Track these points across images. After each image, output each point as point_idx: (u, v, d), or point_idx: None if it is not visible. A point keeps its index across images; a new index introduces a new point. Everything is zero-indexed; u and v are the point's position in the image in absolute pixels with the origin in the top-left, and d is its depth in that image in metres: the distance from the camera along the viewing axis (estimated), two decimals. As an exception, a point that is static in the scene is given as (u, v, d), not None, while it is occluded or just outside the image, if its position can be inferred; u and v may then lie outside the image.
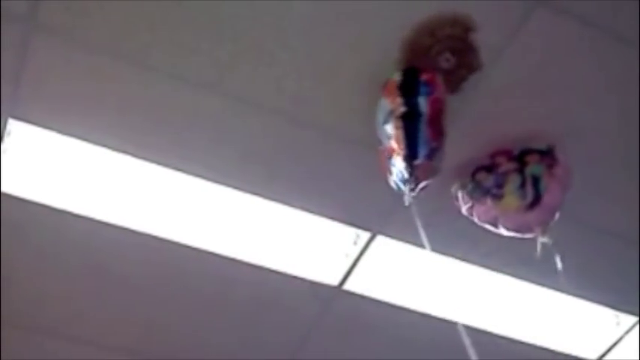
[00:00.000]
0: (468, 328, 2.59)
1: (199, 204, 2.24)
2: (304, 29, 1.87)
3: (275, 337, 2.68)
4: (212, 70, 1.93)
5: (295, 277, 2.44)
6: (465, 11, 1.84)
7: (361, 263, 2.43)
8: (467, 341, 1.78)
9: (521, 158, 2.09)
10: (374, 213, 2.28)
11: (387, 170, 1.93)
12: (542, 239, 2.07)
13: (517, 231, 2.10)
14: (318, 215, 2.25)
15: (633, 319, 2.67)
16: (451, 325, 2.60)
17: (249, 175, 2.18)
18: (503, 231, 2.11)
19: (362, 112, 2.03)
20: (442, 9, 1.83)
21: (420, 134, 1.87)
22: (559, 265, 2.07)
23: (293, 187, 2.18)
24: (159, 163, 2.13)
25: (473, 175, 2.13)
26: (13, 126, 2.02)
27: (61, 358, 2.67)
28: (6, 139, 2.05)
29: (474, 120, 2.07)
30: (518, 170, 2.07)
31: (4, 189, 2.16)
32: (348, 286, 2.49)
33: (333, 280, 2.47)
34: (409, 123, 1.88)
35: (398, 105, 1.89)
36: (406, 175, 1.87)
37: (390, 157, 1.90)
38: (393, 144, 1.88)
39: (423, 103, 1.88)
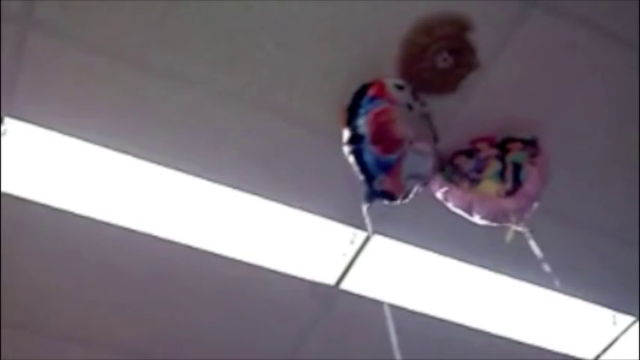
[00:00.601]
0: (464, 327, 2.63)
1: (197, 203, 2.24)
2: (301, 29, 1.86)
3: (272, 336, 2.68)
4: (210, 69, 1.93)
5: (292, 277, 2.44)
6: (462, 11, 1.84)
7: (358, 262, 2.43)
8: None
9: (503, 145, 2.05)
10: (371, 212, 2.28)
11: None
12: (517, 227, 2.01)
13: (492, 218, 2.03)
14: (316, 215, 2.25)
15: (630, 318, 2.68)
16: (448, 324, 2.63)
17: (246, 174, 2.18)
18: (476, 218, 2.04)
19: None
20: (439, 9, 1.83)
21: (367, 156, 1.88)
22: (537, 253, 2.01)
23: (290, 187, 2.18)
24: (156, 161, 2.13)
25: (451, 159, 2.09)
26: (10, 125, 2.02)
27: (62, 358, 2.67)
28: (3, 138, 2.05)
29: (472, 119, 2.07)
30: (500, 157, 2.03)
31: (2, 188, 2.15)
32: (345, 285, 2.49)
33: (330, 279, 2.48)
34: (355, 147, 1.89)
35: (345, 131, 1.92)
36: (370, 200, 1.91)
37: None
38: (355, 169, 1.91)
39: (363, 124, 1.88)
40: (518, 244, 2.37)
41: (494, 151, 2.04)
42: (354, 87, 1.97)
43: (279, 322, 2.63)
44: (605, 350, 2.79)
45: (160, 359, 2.73)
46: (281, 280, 2.45)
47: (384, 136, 1.86)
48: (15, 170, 2.13)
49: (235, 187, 2.20)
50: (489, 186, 2.00)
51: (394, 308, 2.55)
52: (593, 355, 2.81)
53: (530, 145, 2.04)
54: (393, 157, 1.87)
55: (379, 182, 1.89)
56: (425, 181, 1.99)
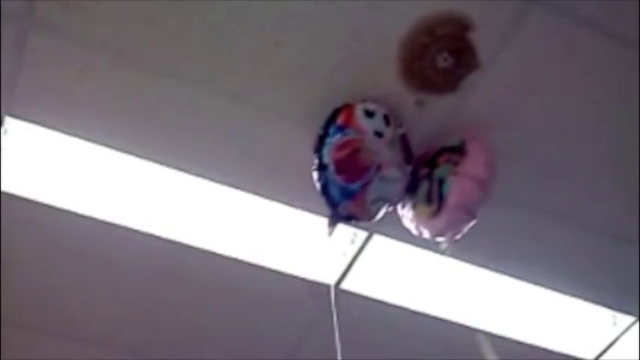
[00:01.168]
0: (464, 327, 2.62)
1: (197, 203, 2.24)
2: (301, 28, 1.86)
3: (272, 336, 2.68)
4: (210, 68, 1.93)
5: (292, 276, 2.44)
6: (463, 10, 1.84)
7: (358, 262, 2.43)
8: None
9: (433, 161, 2.06)
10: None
11: None
12: (445, 245, 2.05)
13: (435, 237, 2.07)
14: (316, 214, 2.25)
15: (630, 319, 2.67)
16: (448, 323, 2.62)
17: (246, 174, 2.18)
18: (427, 236, 2.08)
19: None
20: (440, 8, 1.83)
21: (331, 185, 1.93)
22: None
23: (291, 187, 2.18)
24: (156, 161, 2.13)
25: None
26: (11, 124, 2.02)
27: (62, 357, 2.66)
28: (3, 137, 2.05)
29: (472, 119, 2.07)
30: (428, 175, 2.05)
31: (2, 187, 2.15)
32: (346, 285, 2.49)
33: (330, 278, 2.47)
34: (320, 174, 1.95)
35: (314, 157, 1.97)
36: (334, 223, 1.98)
37: None
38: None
39: (327, 154, 1.92)
40: (518, 244, 2.38)
41: (425, 170, 2.06)
42: (354, 87, 1.98)
43: (279, 321, 2.63)
44: (605, 350, 2.79)
45: (160, 358, 2.73)
46: (281, 280, 2.45)
47: (347, 167, 1.90)
48: (15, 169, 2.13)
49: (236, 187, 2.20)
50: (422, 209, 2.04)
51: (395, 308, 2.56)
52: (594, 355, 2.81)
53: (457, 152, 2.03)
54: (357, 185, 1.91)
55: (343, 207, 1.94)
56: (392, 203, 2.02)
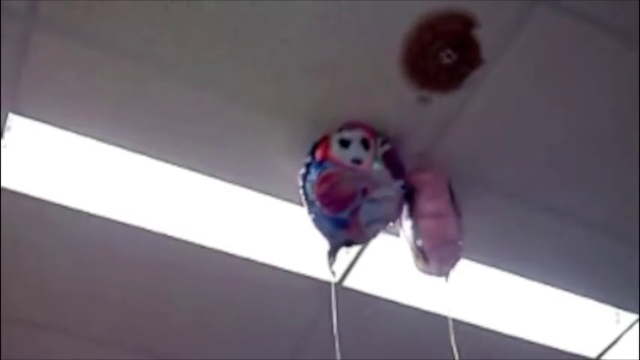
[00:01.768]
0: (467, 324, 2.62)
1: (200, 200, 2.24)
2: (305, 26, 1.86)
3: (275, 334, 2.68)
4: (214, 66, 1.93)
5: (295, 274, 2.45)
6: (467, 7, 1.83)
7: (361, 260, 2.43)
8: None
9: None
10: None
11: None
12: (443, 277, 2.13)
13: (441, 275, 2.16)
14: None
15: (633, 316, 2.67)
16: (450, 321, 2.62)
17: (251, 172, 2.18)
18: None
19: (361, 109, 2.03)
20: (444, 5, 1.83)
21: (323, 219, 1.97)
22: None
23: (294, 185, 2.18)
24: (159, 158, 2.13)
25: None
26: (14, 121, 2.02)
27: (63, 357, 2.67)
28: (6, 135, 2.05)
29: (475, 116, 2.07)
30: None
31: (5, 184, 2.15)
32: (349, 282, 2.49)
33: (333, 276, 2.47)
34: (310, 210, 2.01)
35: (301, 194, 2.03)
36: (334, 252, 2.01)
37: None
38: None
39: (310, 192, 1.98)
40: (519, 242, 2.38)
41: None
42: (359, 84, 1.98)
43: (281, 319, 2.63)
44: (608, 348, 2.79)
45: (162, 358, 2.73)
46: (284, 278, 2.45)
47: (332, 200, 1.94)
48: (16, 166, 2.13)
49: (238, 184, 2.20)
50: (415, 261, 2.14)
51: (396, 305, 2.56)
52: (596, 353, 2.81)
53: (407, 198, 2.09)
54: (346, 213, 1.94)
55: (340, 236, 1.98)
56: (387, 222, 2.04)
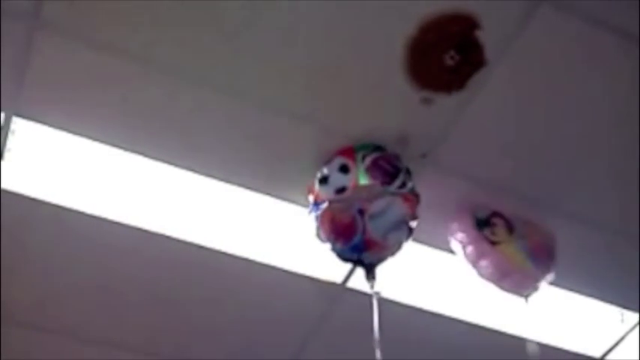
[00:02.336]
0: (470, 324, 2.62)
1: (202, 201, 2.24)
2: (307, 27, 1.86)
3: (279, 335, 2.68)
4: (216, 67, 1.93)
5: (299, 275, 2.44)
6: (470, 8, 1.83)
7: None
8: None
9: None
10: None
11: None
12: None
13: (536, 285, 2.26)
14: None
15: (638, 316, 2.67)
16: (453, 321, 2.62)
17: (253, 173, 2.18)
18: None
19: (364, 111, 2.03)
20: (447, 6, 1.83)
21: (341, 250, 2.03)
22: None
23: (298, 186, 2.18)
24: (161, 159, 2.13)
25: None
26: (17, 124, 2.03)
27: (63, 357, 2.67)
28: (10, 137, 2.05)
29: (479, 117, 2.06)
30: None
31: (9, 187, 2.16)
32: (352, 283, 2.49)
33: (337, 277, 2.47)
34: (331, 249, 2.05)
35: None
36: (372, 274, 2.04)
37: None
38: None
39: (320, 232, 2.04)
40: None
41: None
42: (361, 85, 1.97)
43: (285, 320, 2.63)
44: (612, 348, 2.79)
45: (161, 358, 2.73)
46: (287, 279, 2.45)
47: (337, 233, 2.00)
48: (19, 168, 2.13)
49: (242, 186, 2.20)
50: (520, 261, 2.20)
51: (396, 305, 2.55)
52: (601, 352, 2.80)
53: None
54: (357, 238, 1.98)
55: (366, 258, 2.01)
56: (404, 224, 2.04)
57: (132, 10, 1.81)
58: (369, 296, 2.50)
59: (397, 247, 2.04)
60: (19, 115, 2.01)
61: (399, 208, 2.01)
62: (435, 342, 2.67)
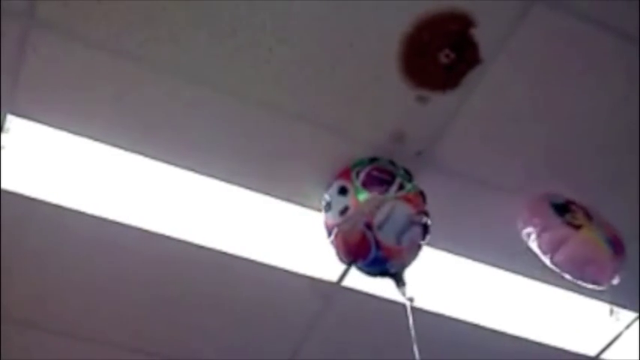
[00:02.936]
0: (465, 323, 2.62)
1: (199, 200, 2.24)
2: (303, 25, 1.87)
3: (275, 334, 2.68)
4: (212, 66, 1.93)
5: (295, 274, 2.44)
6: (465, 7, 1.84)
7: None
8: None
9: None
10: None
11: None
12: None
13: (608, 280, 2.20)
14: (317, 211, 2.25)
15: (632, 314, 2.67)
16: (449, 320, 2.62)
17: (249, 172, 2.18)
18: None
19: (360, 109, 2.03)
20: (442, 4, 1.83)
21: (365, 267, 2.04)
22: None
23: (294, 185, 2.18)
24: (158, 158, 2.13)
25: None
26: (12, 122, 2.02)
27: (63, 357, 2.66)
28: (5, 136, 2.05)
29: (474, 115, 2.07)
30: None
31: (4, 185, 2.15)
32: (348, 282, 2.49)
33: (333, 276, 2.47)
34: (357, 268, 2.08)
35: None
36: (401, 281, 2.04)
37: None
38: None
39: (340, 256, 2.06)
40: (518, 240, 2.38)
41: None
42: (357, 84, 1.98)
43: (280, 319, 2.63)
44: (607, 346, 2.79)
45: (161, 358, 2.73)
46: (283, 278, 2.45)
47: (354, 252, 2.01)
48: (17, 168, 2.13)
49: (237, 184, 2.20)
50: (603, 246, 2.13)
51: (395, 304, 2.55)
52: (596, 351, 2.81)
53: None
54: (373, 251, 1.98)
55: (391, 267, 2.02)
56: (415, 224, 2.03)
57: (127, 10, 1.81)
58: (364, 295, 2.52)
59: (415, 247, 2.03)
60: (13, 113, 2.00)
61: (403, 210, 2.01)
62: (440, 342, 2.68)
